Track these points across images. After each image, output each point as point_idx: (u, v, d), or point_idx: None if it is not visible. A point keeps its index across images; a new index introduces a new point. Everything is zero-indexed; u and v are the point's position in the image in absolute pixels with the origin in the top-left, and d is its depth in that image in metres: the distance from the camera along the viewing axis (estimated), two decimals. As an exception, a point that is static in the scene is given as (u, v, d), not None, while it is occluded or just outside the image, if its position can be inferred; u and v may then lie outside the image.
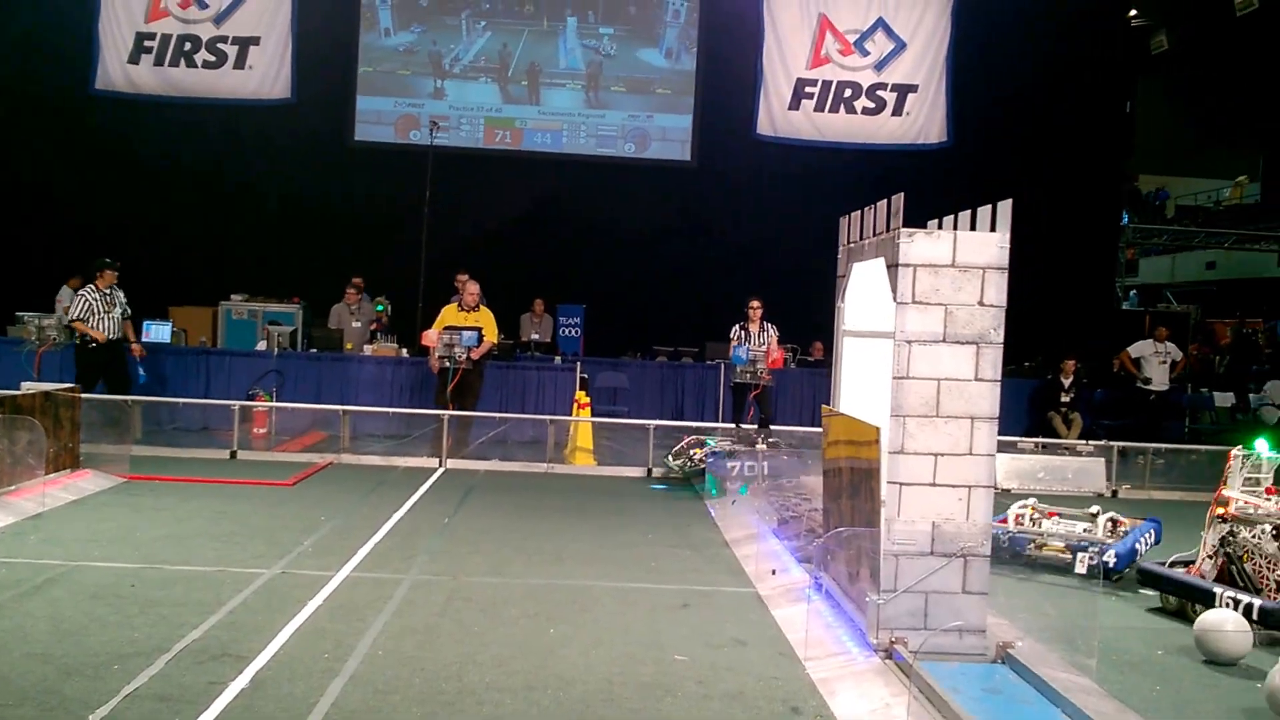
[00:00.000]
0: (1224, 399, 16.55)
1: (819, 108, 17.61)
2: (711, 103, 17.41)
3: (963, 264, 5.13)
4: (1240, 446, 6.15)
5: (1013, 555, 7.39)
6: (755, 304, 11.93)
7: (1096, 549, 7.06)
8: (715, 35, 17.35)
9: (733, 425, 11.50)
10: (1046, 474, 11.46)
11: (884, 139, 17.68)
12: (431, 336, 10.93)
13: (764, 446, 9.58)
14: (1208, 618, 5.48)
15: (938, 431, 5.14)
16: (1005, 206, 5.15)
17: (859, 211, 6.17)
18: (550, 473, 10.56)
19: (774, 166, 17.47)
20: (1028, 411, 15.31)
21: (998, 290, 5.13)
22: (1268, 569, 5.82)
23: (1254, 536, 5.87)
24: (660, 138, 17.41)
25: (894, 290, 5.17)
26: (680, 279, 16.72)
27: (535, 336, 15.23)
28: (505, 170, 16.97)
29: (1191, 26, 28.72)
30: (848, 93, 17.62)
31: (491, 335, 11.30)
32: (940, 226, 5.36)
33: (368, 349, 13.13)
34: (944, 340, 5.12)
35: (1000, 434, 12.06)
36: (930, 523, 5.13)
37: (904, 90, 17.66)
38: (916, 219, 16.26)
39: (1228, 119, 37.27)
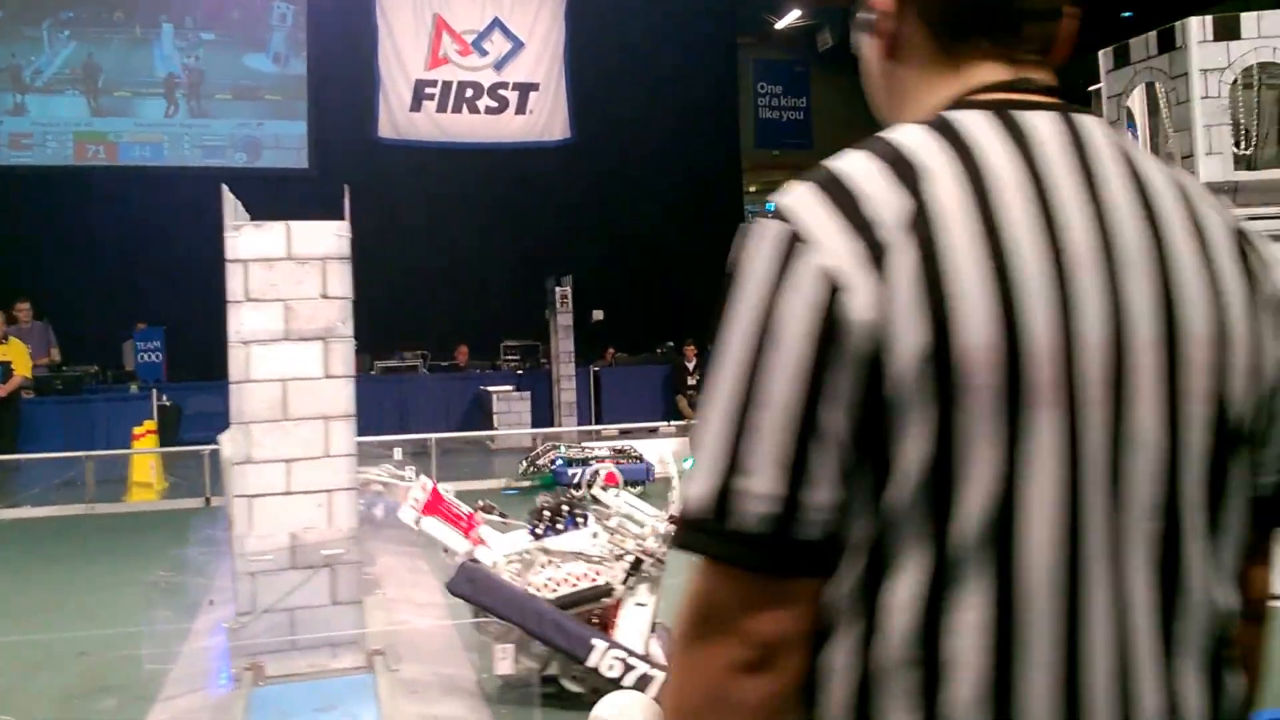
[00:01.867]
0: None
1: (441, 108, 17.20)
2: (327, 107, 16.63)
3: (300, 256, 4.73)
4: None
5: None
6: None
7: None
8: (326, 39, 16.56)
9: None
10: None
11: (509, 137, 17.50)
12: (-59, 374, 9.67)
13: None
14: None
15: (288, 436, 4.70)
16: (343, 195, 4.81)
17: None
18: (92, 514, 9.52)
19: (398, 169, 16.91)
20: (662, 396, 15.57)
21: (342, 282, 4.78)
22: None
23: None
24: (274, 145, 16.47)
25: (228, 288, 4.71)
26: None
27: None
28: (101, 187, 15.51)
29: (849, 25, 30.52)
30: (469, 93, 17.30)
31: (22, 369, 10.13)
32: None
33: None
34: (286, 338, 4.69)
35: (639, 421, 12.30)
36: (289, 534, 4.70)
37: (525, 89, 17.54)
38: (550, 213, 16.16)
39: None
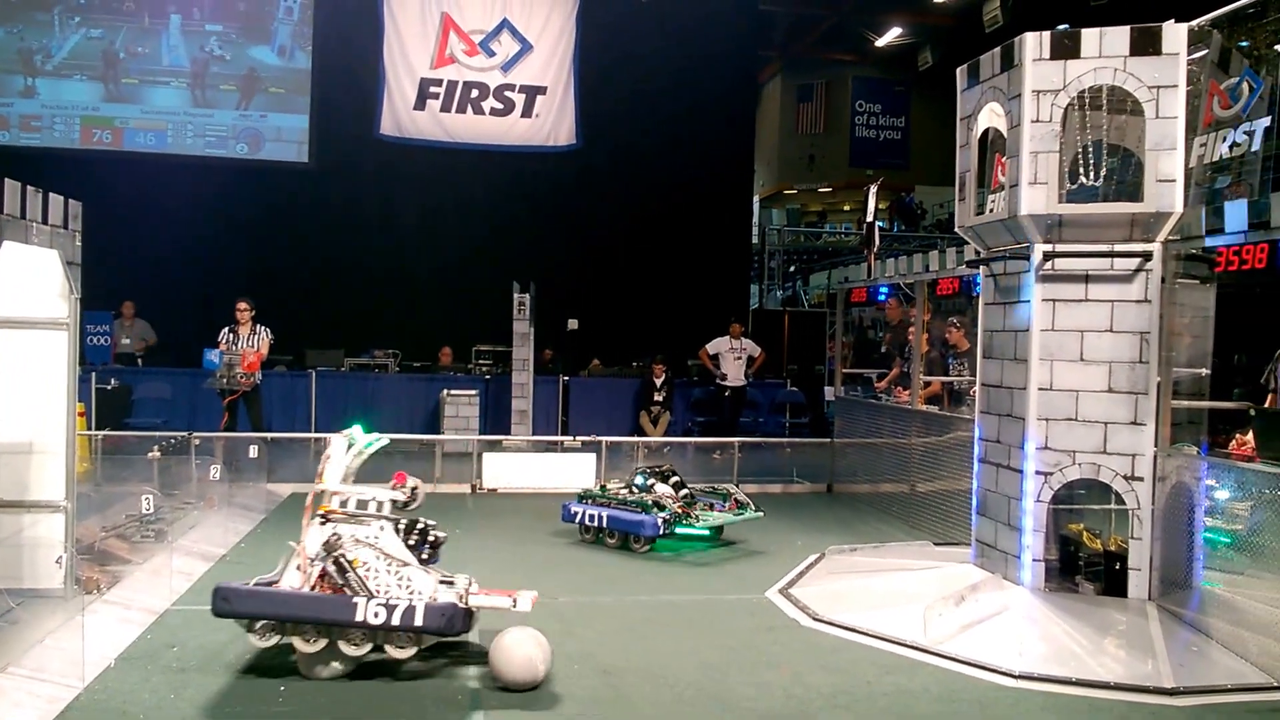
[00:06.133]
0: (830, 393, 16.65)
1: (445, 108, 17.26)
2: (329, 102, 16.89)
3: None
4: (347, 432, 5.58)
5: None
6: (243, 306, 11.37)
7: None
8: (331, 33, 16.85)
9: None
10: (537, 470, 11.30)
11: (514, 140, 17.45)
12: None
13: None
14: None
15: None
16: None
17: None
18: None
19: (398, 168, 17.09)
20: (631, 410, 15.30)
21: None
22: (389, 573, 5.20)
23: (367, 538, 5.26)
24: (275, 138, 16.79)
25: None
26: (292, 285, 16.17)
27: (126, 341, 14.55)
28: (105, 172, 16.06)
29: (950, 43, 29.63)
30: (475, 93, 17.33)
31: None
32: None
33: None
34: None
35: (603, 433, 12.03)
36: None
37: (532, 91, 17.47)
38: (548, 219, 16.08)
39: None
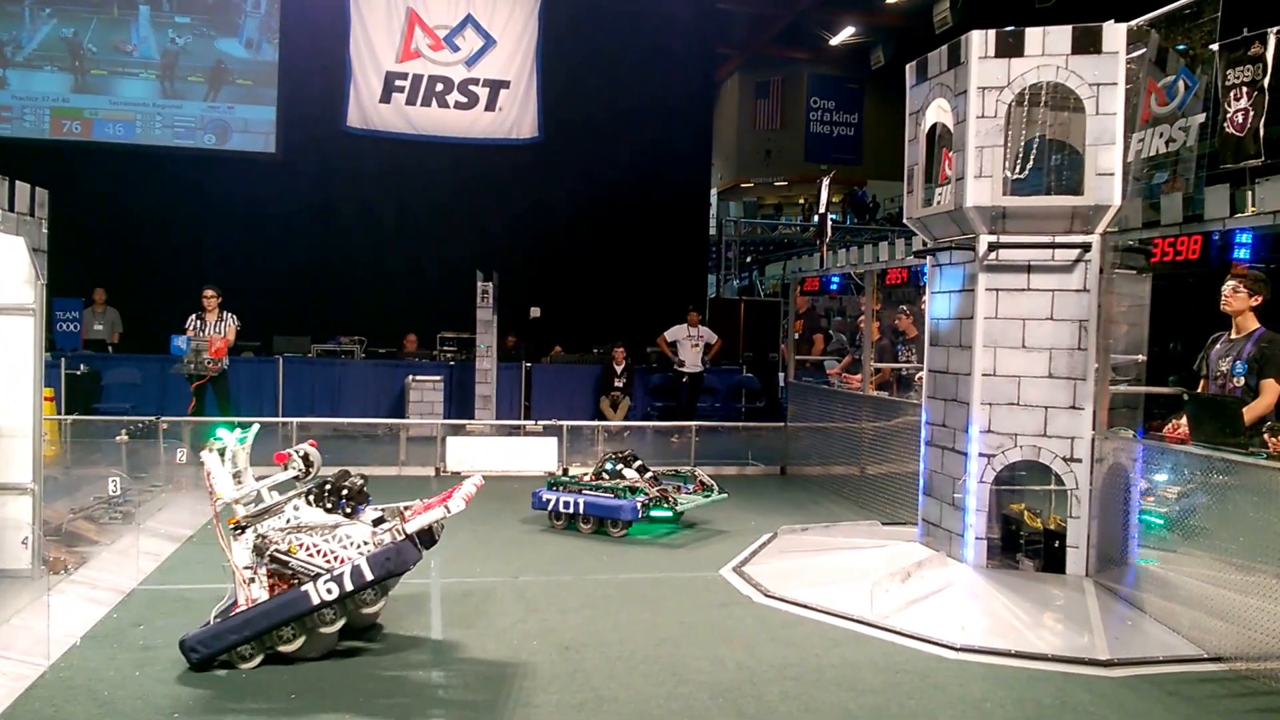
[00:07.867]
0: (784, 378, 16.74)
1: (411, 101, 17.05)
2: (296, 95, 16.61)
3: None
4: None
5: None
6: (209, 293, 11.18)
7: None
8: (298, 26, 16.55)
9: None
10: (500, 454, 11.24)
11: (478, 133, 17.28)
12: None
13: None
14: None
15: None
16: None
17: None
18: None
19: (366, 159, 16.88)
20: (592, 395, 15.25)
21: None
22: (332, 544, 5.03)
23: (289, 522, 5.08)
24: (242, 129, 16.49)
25: None
26: (259, 273, 15.92)
27: (98, 327, 14.26)
28: (76, 162, 15.71)
29: (902, 43, 29.66)
30: (439, 87, 17.13)
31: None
32: None
33: None
34: None
35: (565, 418, 11.98)
36: None
37: (496, 86, 17.30)
38: (511, 211, 15.88)
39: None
